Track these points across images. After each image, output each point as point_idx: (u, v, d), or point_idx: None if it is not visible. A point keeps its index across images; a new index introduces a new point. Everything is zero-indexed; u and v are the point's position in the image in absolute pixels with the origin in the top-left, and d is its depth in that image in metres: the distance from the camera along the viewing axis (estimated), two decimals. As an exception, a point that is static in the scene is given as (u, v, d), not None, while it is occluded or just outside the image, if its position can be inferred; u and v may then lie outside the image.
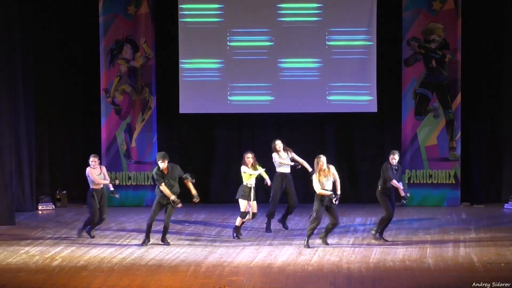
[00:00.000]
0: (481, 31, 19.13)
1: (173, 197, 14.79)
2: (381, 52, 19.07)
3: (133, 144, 19.55)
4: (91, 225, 15.69)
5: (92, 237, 15.62)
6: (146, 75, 19.46)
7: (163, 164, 14.85)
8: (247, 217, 15.53)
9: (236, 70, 19.33)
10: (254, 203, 15.52)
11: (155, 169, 15.03)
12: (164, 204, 14.94)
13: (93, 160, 15.53)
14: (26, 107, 18.53)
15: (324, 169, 14.40)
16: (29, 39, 18.62)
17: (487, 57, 19.19)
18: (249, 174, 15.42)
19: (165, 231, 15.08)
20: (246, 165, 15.45)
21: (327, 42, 19.16)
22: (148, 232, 15.09)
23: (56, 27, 19.67)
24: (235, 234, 15.60)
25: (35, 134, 18.99)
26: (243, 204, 15.44)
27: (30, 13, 18.75)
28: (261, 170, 15.53)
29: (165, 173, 14.86)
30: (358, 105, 19.17)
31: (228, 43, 19.33)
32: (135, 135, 19.56)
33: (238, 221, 15.57)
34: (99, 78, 19.51)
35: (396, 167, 14.99)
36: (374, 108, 19.14)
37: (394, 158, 14.95)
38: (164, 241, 15.07)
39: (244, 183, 15.46)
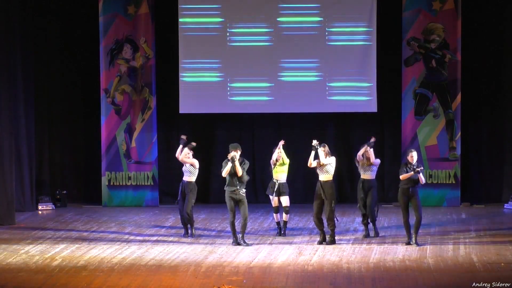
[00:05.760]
0: (481, 31, 19.14)
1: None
2: (381, 52, 19.07)
3: (133, 144, 19.54)
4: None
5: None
6: (146, 75, 19.46)
7: (236, 154, 14.94)
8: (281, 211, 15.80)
9: (236, 70, 19.33)
10: (275, 198, 15.64)
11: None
12: (236, 199, 14.89)
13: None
14: (26, 107, 18.53)
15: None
16: (29, 39, 18.62)
17: (487, 57, 19.19)
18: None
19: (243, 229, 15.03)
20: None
21: (327, 42, 19.16)
22: (234, 232, 14.96)
23: (56, 27, 19.69)
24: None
25: (35, 134, 18.99)
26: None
27: (30, 13, 18.76)
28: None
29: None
30: (358, 105, 19.17)
31: (228, 43, 19.33)
32: (135, 135, 19.56)
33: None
34: (99, 78, 19.50)
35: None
36: (374, 108, 19.14)
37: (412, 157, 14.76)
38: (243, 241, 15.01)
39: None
